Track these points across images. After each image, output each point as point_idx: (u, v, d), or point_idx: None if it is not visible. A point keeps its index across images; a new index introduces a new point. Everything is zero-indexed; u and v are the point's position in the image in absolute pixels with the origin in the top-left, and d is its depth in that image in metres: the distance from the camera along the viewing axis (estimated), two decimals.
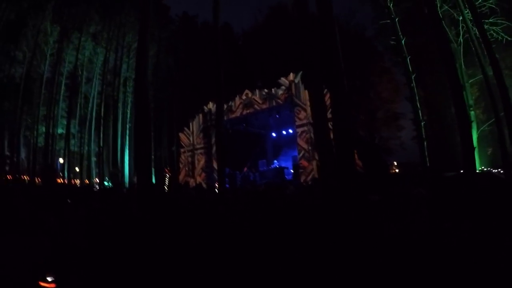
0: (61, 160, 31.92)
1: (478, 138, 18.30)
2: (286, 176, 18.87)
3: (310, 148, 16.58)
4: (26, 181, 26.85)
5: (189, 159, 21.89)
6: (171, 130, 35.35)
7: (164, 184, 22.34)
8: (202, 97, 24.91)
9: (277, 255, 3.50)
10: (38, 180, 27.09)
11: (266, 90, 18.82)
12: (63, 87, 31.26)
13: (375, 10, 26.36)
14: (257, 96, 19.10)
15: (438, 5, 13.80)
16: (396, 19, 15.15)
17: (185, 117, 25.26)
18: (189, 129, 22.35)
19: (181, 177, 22.12)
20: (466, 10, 14.07)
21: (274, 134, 24.14)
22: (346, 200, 4.93)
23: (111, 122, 34.05)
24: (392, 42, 17.34)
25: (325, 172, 7.74)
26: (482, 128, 18.69)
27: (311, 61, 8.44)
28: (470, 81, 19.47)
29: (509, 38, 15.35)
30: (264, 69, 31.95)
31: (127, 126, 34.60)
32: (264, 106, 18.85)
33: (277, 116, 19.13)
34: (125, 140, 34.32)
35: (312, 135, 16.07)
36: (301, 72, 16.95)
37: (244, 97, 19.66)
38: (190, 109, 26.36)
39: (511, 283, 2.85)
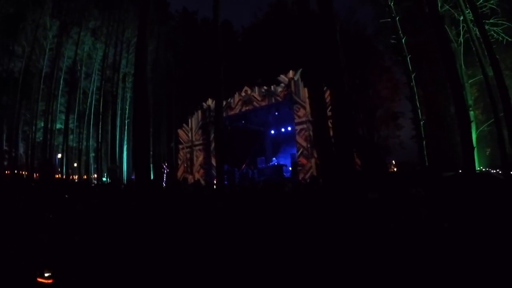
0: (59, 156, 31.87)
1: (477, 138, 18.33)
2: (285, 174, 18.86)
3: (308, 145, 16.57)
4: (25, 176, 26.80)
5: (188, 155, 21.88)
6: (170, 126, 35.34)
7: (163, 180, 22.32)
8: (201, 93, 24.85)
9: (276, 253, 3.49)
10: (36, 176, 27.05)
11: (265, 87, 18.78)
12: (62, 82, 31.17)
13: (376, 9, 26.30)
14: (256, 93, 19.06)
15: (439, 5, 13.78)
16: (397, 18, 15.11)
17: (184, 113, 25.23)
18: (188, 125, 22.33)
19: (179, 173, 22.11)
20: (467, 10, 14.05)
21: (273, 132, 24.13)
22: (346, 199, 4.92)
23: (110, 117, 34.01)
24: (392, 41, 17.31)
25: (325, 170, 7.72)
26: (481, 129, 18.74)
27: (311, 58, 8.40)
28: (470, 81, 19.48)
29: (509, 39, 15.34)
30: (264, 66, 31.90)
31: (126, 122, 34.57)
32: (263, 103, 18.83)
33: (276, 113, 19.11)
34: (124, 136, 34.31)
35: (311, 132, 16.06)
36: (300, 69, 16.93)
37: (243, 94, 19.62)
38: (189, 105, 26.31)
39: (511, 282, 2.85)
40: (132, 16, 32.55)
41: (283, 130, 22.77)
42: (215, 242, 3.85)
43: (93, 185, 19.68)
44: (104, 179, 31.89)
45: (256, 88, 19.21)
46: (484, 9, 14.78)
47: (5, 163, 29.55)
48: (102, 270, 3.60)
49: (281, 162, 20.17)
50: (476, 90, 21.21)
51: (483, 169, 17.71)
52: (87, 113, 32.34)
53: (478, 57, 14.23)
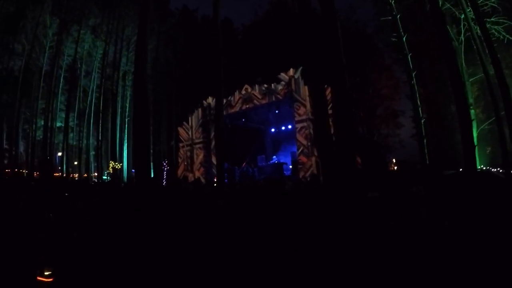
0: (59, 154, 31.87)
1: (478, 137, 18.28)
2: (285, 172, 18.88)
3: (309, 144, 16.56)
4: (25, 174, 26.82)
5: (188, 153, 21.87)
6: (170, 125, 35.35)
7: (163, 178, 22.33)
8: (201, 91, 24.84)
9: (276, 251, 3.48)
10: (36, 174, 27.04)
11: (265, 85, 18.76)
12: (62, 80, 31.16)
13: (376, 7, 26.31)
14: (257, 91, 19.04)
15: (440, 3, 13.72)
16: (398, 16, 15.04)
17: (184, 111, 25.21)
18: (188, 123, 22.31)
19: (179, 171, 22.11)
20: (468, 9, 14.00)
21: (273, 130, 24.12)
22: (346, 197, 4.91)
23: (110, 115, 34.01)
24: (393, 39, 17.25)
25: (325, 169, 7.70)
26: (482, 127, 18.70)
27: (312, 56, 8.38)
28: (471, 79, 19.44)
29: (510, 38, 15.30)
30: (264, 64, 31.87)
31: (126, 120, 34.56)
32: (263, 101, 18.81)
33: (277, 111, 19.10)
34: (124, 134, 34.32)
35: (311, 130, 16.04)
36: (301, 67, 16.89)
37: (243, 92, 19.60)
38: (189, 103, 26.29)
39: (511, 282, 2.84)
40: (132, 14, 32.53)
41: (283, 128, 22.77)
42: (215, 240, 3.85)
43: (93, 183, 19.68)
44: (104, 177, 31.91)
45: (257, 86, 19.19)
46: (485, 7, 14.71)
47: (5, 161, 29.57)
48: (102, 269, 3.60)
49: (282, 160, 20.18)
50: (477, 89, 21.16)
51: (484, 168, 17.68)
52: (87, 111, 32.35)
53: (479, 56, 14.20)
